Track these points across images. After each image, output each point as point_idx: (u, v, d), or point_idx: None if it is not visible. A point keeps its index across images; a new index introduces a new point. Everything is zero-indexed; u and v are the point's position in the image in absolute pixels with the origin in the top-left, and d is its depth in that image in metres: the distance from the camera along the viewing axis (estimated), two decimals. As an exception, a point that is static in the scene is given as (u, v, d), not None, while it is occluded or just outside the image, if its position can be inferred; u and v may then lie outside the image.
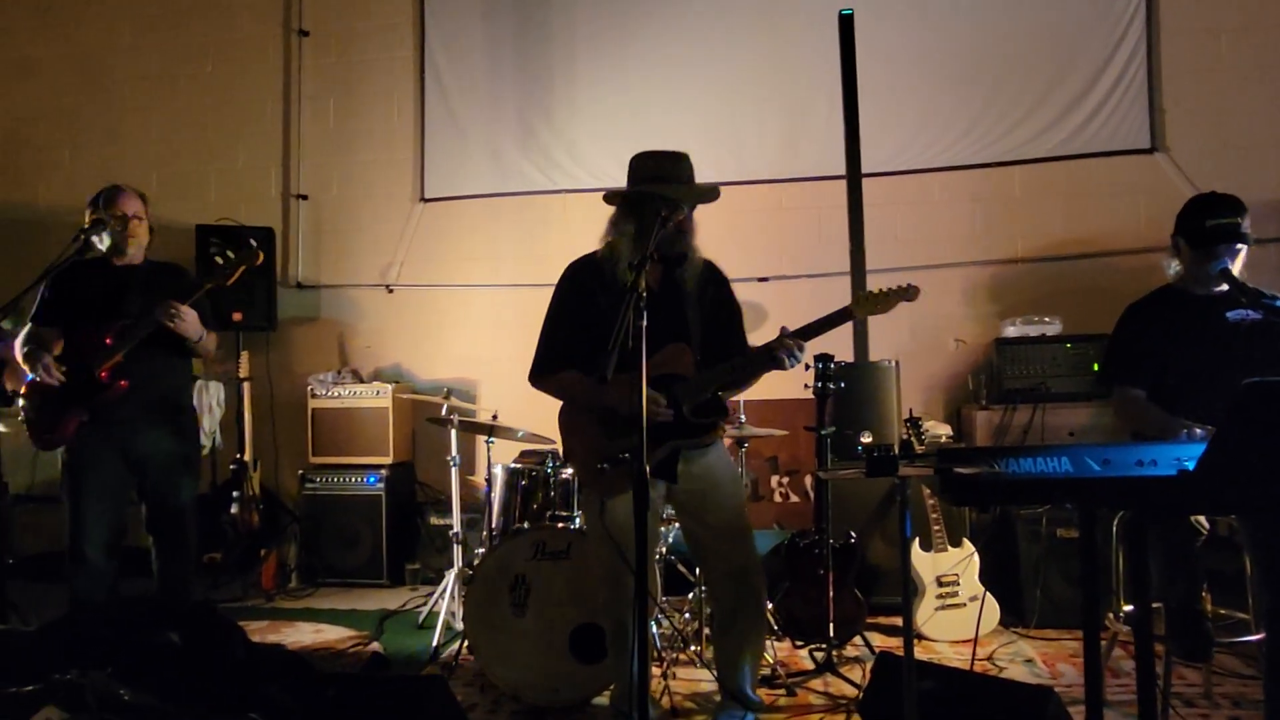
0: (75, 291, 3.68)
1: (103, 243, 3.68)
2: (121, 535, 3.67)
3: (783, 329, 2.84)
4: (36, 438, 3.64)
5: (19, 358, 3.63)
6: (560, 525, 3.62)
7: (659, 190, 2.86)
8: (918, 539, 4.11)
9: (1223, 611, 3.39)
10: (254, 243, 3.73)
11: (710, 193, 2.99)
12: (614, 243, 2.97)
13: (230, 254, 3.66)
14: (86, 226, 3.64)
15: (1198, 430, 2.70)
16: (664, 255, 2.89)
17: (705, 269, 3.05)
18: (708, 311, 3.02)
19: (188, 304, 3.56)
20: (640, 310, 2.30)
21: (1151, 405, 3.07)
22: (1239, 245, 2.98)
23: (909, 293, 2.87)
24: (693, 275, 2.99)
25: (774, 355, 2.82)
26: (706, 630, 3.83)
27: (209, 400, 5.66)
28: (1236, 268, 3.01)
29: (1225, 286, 3.03)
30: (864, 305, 2.89)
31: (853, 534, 4.07)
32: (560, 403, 3.09)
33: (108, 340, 3.56)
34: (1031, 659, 3.82)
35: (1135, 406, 3.12)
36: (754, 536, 3.08)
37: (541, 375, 3.05)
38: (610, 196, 3.05)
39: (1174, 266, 3.19)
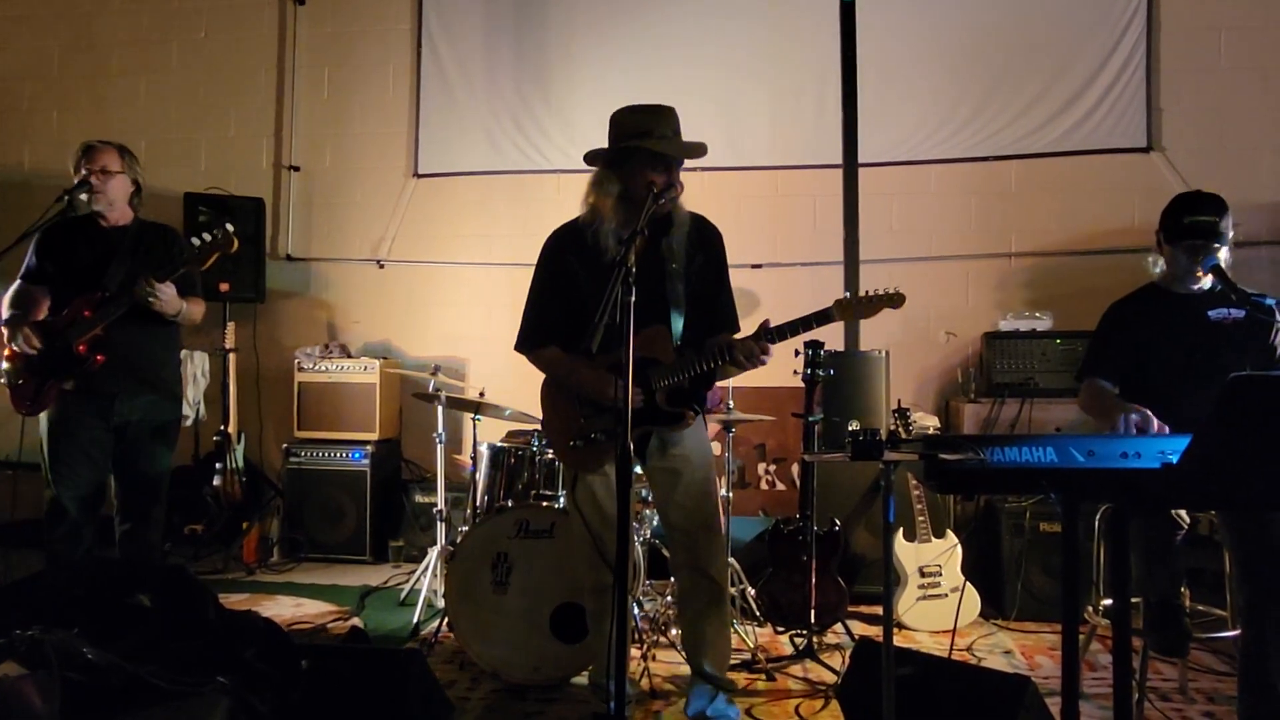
0: (64, 252, 3.64)
1: (87, 202, 3.64)
2: (101, 499, 3.66)
3: (762, 324, 2.77)
4: (18, 404, 3.62)
5: (2, 321, 3.62)
6: (544, 504, 3.62)
7: (644, 146, 2.77)
8: (901, 529, 4.12)
9: (1201, 608, 3.41)
10: (230, 228, 3.61)
11: (697, 149, 2.85)
12: (597, 205, 2.87)
13: (206, 237, 3.58)
14: (73, 185, 3.61)
15: (1134, 415, 2.68)
16: (650, 219, 2.72)
17: (694, 230, 2.93)
18: (694, 283, 2.92)
19: (166, 281, 3.50)
20: (629, 286, 2.28)
21: (1105, 392, 3.07)
22: (1215, 244, 2.97)
23: (895, 300, 2.78)
24: (679, 245, 2.87)
25: (732, 356, 2.76)
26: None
27: (194, 370, 5.60)
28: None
29: (1207, 285, 3.03)
30: (846, 309, 2.78)
31: (837, 521, 4.08)
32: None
33: (86, 313, 3.52)
34: (1010, 650, 3.83)
35: (1090, 394, 3.12)
36: (719, 516, 3.05)
37: (525, 348, 3.04)
38: (593, 156, 2.93)
39: (1159, 264, 3.19)
